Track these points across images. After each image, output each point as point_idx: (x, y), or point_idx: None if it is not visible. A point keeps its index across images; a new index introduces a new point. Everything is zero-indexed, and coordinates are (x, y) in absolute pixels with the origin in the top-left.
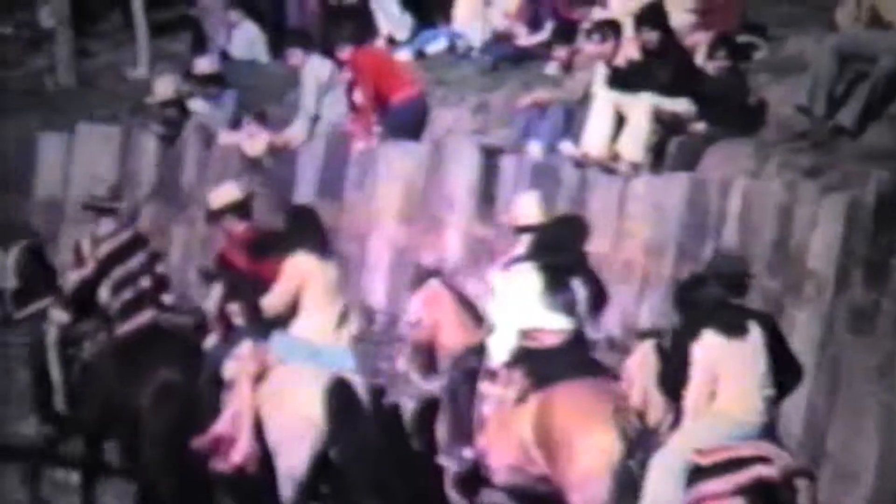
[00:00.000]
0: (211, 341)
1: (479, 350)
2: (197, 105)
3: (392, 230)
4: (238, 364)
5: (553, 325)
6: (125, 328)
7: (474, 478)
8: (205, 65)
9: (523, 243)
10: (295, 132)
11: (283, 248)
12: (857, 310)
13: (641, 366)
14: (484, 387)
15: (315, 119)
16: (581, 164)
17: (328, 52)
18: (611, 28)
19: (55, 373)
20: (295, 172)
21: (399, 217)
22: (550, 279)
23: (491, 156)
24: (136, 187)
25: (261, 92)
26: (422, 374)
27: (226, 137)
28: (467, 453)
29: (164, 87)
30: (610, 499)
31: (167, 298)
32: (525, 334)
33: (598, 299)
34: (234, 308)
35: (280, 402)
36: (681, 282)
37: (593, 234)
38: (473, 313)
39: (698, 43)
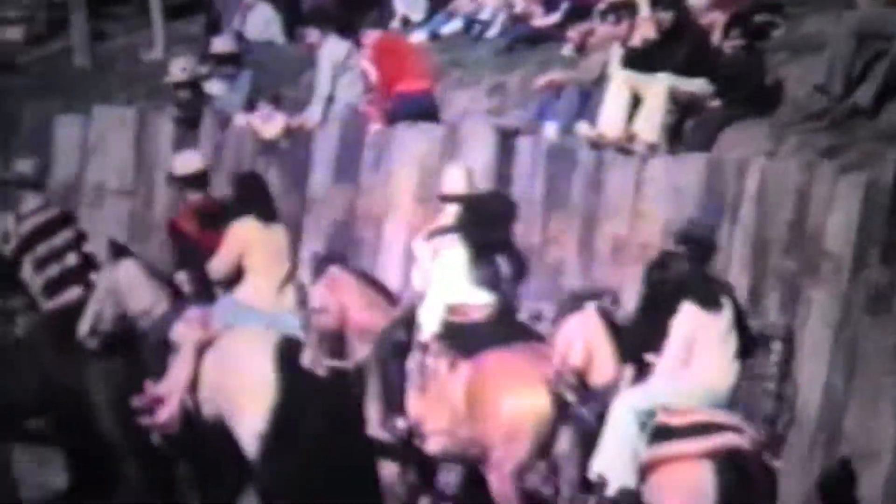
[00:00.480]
0: (160, 308)
1: (407, 323)
2: (213, 87)
3: (408, 212)
4: (186, 328)
5: (478, 300)
6: (52, 305)
7: (409, 450)
8: (222, 44)
9: (448, 214)
10: (310, 114)
11: (230, 215)
12: (874, 290)
13: (584, 326)
14: (415, 359)
15: (330, 100)
16: (597, 145)
17: (344, 32)
18: (626, 8)
19: None
20: (310, 155)
21: (415, 199)
22: (476, 254)
23: (507, 137)
24: (151, 170)
25: (276, 74)
26: (331, 358)
27: (241, 119)
28: (400, 423)
29: (179, 68)
30: (569, 450)
31: (94, 276)
32: (451, 309)
33: (520, 273)
34: (183, 276)
35: (231, 365)
36: (651, 261)
37: (611, 215)
38: (382, 292)
39: (714, 22)
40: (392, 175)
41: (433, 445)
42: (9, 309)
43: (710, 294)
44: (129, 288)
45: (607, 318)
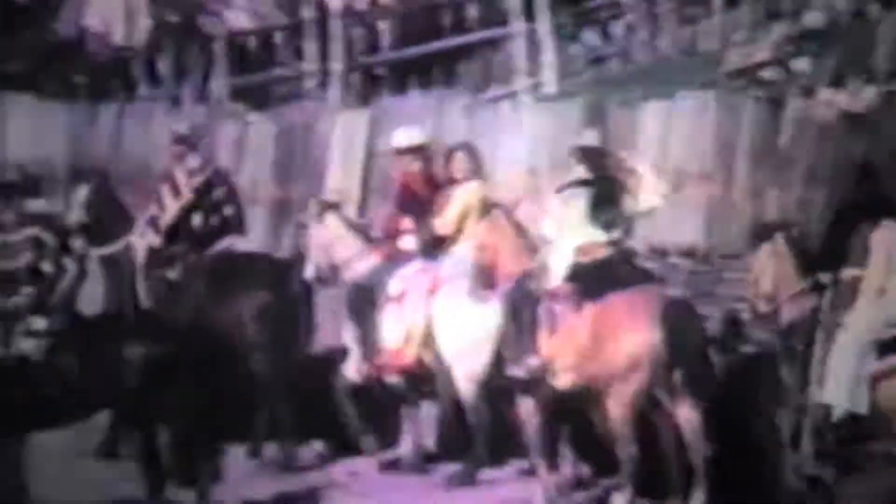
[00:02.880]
0: (372, 261)
1: (539, 274)
2: (798, 63)
3: None
4: (407, 280)
5: (601, 239)
6: (210, 251)
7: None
8: (813, 19)
9: (576, 171)
10: None
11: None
12: None
13: (774, 254)
14: (546, 306)
15: None
16: None
17: None
18: None
19: (142, 292)
20: None
21: None
22: (599, 201)
23: None
24: (731, 153)
25: (866, 47)
26: (484, 289)
27: (826, 94)
28: (533, 361)
29: (766, 48)
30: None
31: (243, 227)
32: (579, 250)
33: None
34: (411, 228)
35: (457, 315)
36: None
37: None
38: (529, 242)
39: None
40: None
41: (563, 381)
42: (170, 254)
43: None
44: (334, 239)
45: (796, 246)
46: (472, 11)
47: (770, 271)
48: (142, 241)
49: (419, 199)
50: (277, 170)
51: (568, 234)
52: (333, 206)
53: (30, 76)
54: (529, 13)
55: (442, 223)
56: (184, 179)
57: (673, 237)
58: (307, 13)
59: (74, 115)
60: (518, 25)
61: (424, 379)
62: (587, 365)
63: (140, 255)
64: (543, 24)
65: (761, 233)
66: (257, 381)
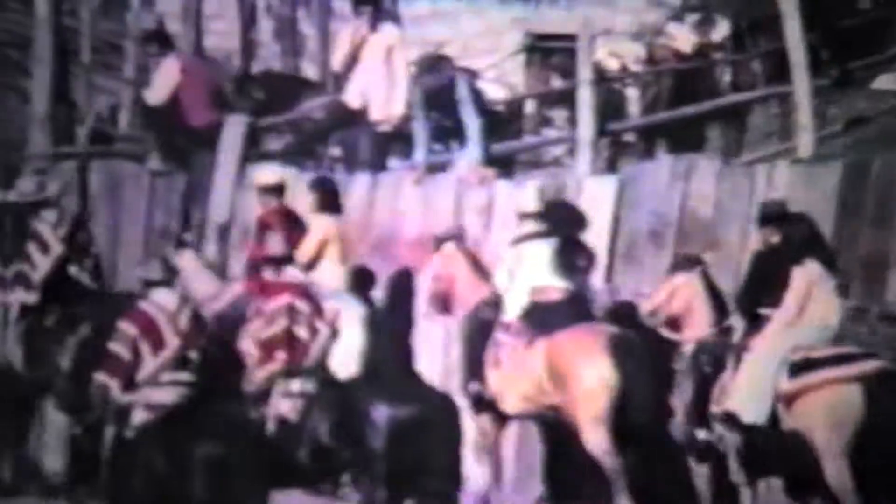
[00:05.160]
0: (224, 295)
1: (494, 304)
2: None
3: None
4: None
5: (556, 284)
6: None
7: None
8: None
9: (527, 226)
10: None
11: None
12: None
13: (688, 285)
14: (499, 336)
15: None
16: None
17: None
18: None
19: (13, 349)
20: None
21: None
22: (556, 250)
23: None
24: None
25: None
26: (439, 315)
27: None
28: (473, 387)
29: None
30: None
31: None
32: (534, 290)
33: (590, 266)
34: (271, 260)
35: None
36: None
37: None
38: (483, 272)
39: None
40: None
41: (512, 407)
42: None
43: (830, 255)
44: (190, 277)
45: (709, 282)
46: (725, 75)
47: (683, 298)
48: (12, 297)
49: (277, 233)
50: None
51: (524, 280)
52: (184, 244)
53: (287, 152)
54: (785, 75)
55: (300, 254)
56: (49, 233)
57: None
58: (556, 82)
59: None
60: (773, 88)
61: None
62: (542, 397)
63: (14, 313)
64: (800, 86)
65: (681, 262)
66: None
